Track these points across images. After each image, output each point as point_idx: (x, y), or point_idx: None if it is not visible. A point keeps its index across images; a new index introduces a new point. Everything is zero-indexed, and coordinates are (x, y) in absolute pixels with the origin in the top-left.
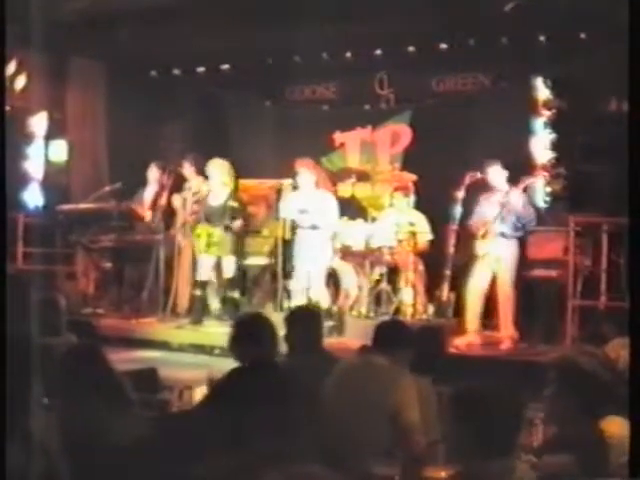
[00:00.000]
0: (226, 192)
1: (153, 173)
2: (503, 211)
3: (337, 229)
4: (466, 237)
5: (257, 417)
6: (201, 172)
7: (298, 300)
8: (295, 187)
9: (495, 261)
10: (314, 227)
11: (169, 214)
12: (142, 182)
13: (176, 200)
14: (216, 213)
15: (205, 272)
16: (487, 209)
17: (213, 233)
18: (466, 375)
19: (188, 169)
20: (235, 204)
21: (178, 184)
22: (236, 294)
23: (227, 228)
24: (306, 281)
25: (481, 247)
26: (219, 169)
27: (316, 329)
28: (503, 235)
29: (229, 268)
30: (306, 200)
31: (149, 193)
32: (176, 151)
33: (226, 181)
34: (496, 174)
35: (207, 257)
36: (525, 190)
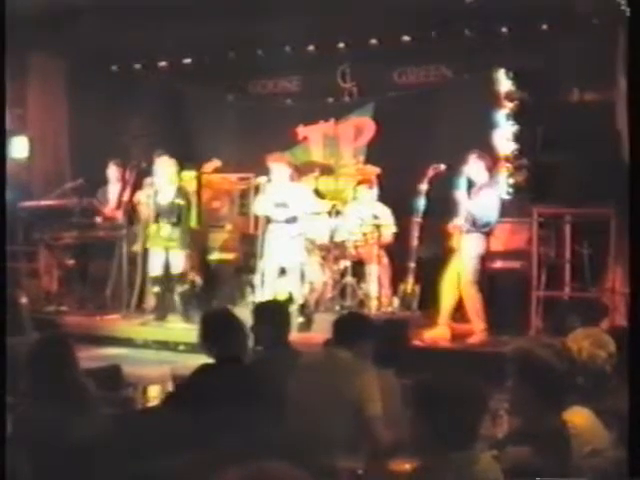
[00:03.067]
0: (173, 190)
1: (113, 171)
2: (470, 206)
3: (306, 222)
4: (430, 230)
5: (222, 414)
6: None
7: (265, 295)
8: (269, 182)
9: (463, 256)
10: (290, 221)
11: (132, 210)
12: (104, 178)
13: (140, 196)
14: (164, 211)
15: (156, 267)
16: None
17: (161, 229)
18: (430, 368)
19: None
20: (182, 202)
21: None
22: (186, 287)
23: (174, 225)
24: (278, 276)
25: (455, 241)
26: (165, 167)
27: (283, 324)
28: (467, 230)
29: (177, 263)
30: (282, 194)
31: (113, 192)
32: (138, 146)
33: (172, 179)
34: (473, 165)
35: (157, 253)
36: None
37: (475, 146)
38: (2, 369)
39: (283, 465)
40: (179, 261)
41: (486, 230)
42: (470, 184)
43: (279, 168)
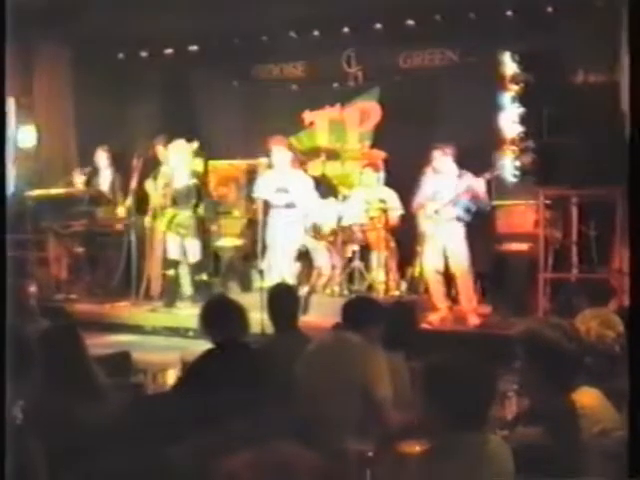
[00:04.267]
0: (188, 173)
1: (102, 159)
2: (462, 195)
3: (310, 208)
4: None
5: (231, 397)
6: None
7: (270, 280)
8: (270, 166)
9: (445, 243)
10: (290, 206)
11: (141, 198)
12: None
13: (148, 184)
14: (181, 195)
15: (174, 251)
16: (433, 191)
17: (177, 215)
18: (439, 350)
19: (161, 151)
20: (197, 183)
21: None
22: (204, 277)
23: (194, 211)
24: (280, 260)
25: (428, 227)
26: (179, 151)
27: (292, 308)
28: (457, 219)
29: (194, 252)
30: (282, 179)
31: (104, 179)
32: (145, 133)
33: (188, 162)
34: (442, 161)
35: (172, 236)
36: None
37: (480, 129)
38: (2, 363)
39: (294, 446)
40: (195, 249)
41: (470, 219)
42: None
43: (280, 151)
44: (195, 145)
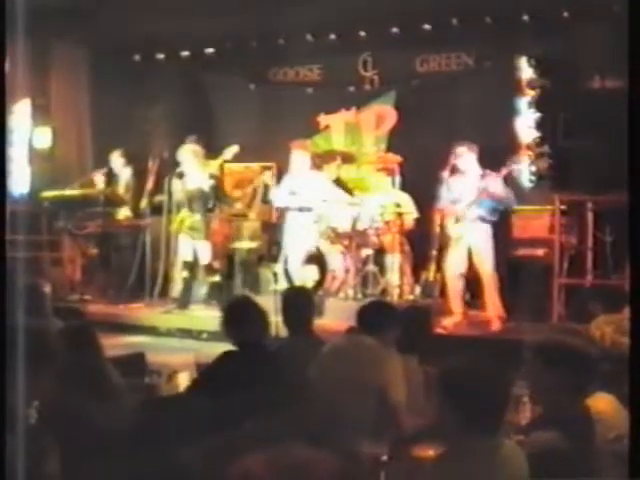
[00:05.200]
0: (201, 176)
1: (117, 162)
2: (480, 195)
3: (328, 211)
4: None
5: (249, 399)
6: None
7: (286, 283)
8: (288, 169)
9: (471, 245)
10: (307, 209)
11: (155, 199)
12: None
13: (175, 183)
14: (194, 197)
15: (187, 252)
16: (458, 193)
17: (188, 217)
18: (453, 355)
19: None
20: (212, 185)
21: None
22: (216, 278)
23: (210, 210)
24: (296, 263)
25: (455, 231)
26: (191, 154)
27: (307, 311)
28: (482, 219)
29: (205, 253)
30: (299, 181)
31: (119, 180)
32: (161, 135)
33: (201, 165)
34: (467, 158)
35: (184, 238)
36: (507, 176)
37: (496, 134)
38: (2, 362)
39: (308, 449)
40: (206, 252)
41: (497, 218)
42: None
43: (299, 155)
44: (228, 156)
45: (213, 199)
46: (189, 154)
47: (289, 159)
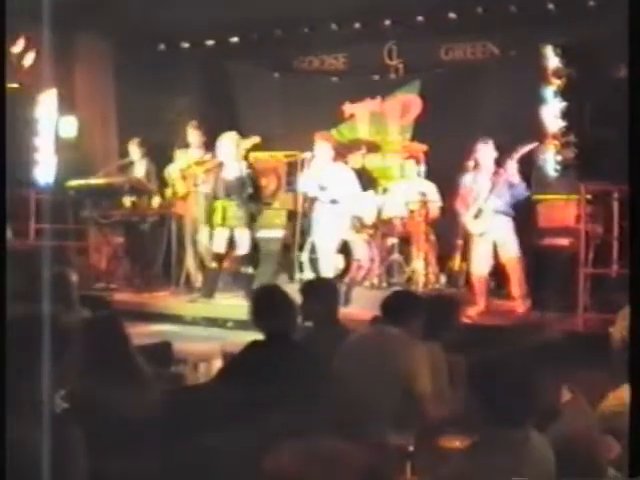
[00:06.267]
0: (240, 164)
1: (135, 151)
2: (496, 187)
3: (353, 201)
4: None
5: (274, 389)
6: (207, 140)
7: (314, 272)
8: (312, 159)
9: (496, 239)
10: (333, 201)
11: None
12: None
13: (172, 170)
14: (232, 186)
15: (221, 245)
16: (475, 188)
17: (228, 207)
18: (479, 344)
19: (193, 135)
20: (251, 173)
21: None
22: (250, 269)
23: (249, 198)
24: (324, 253)
25: (476, 227)
26: (230, 142)
27: (332, 300)
28: (503, 213)
29: (244, 243)
30: (325, 173)
31: (139, 169)
32: (185, 125)
33: (238, 154)
34: (486, 153)
35: (222, 230)
36: (523, 160)
37: (522, 123)
38: (2, 363)
39: (338, 442)
40: (245, 241)
41: (517, 209)
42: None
43: (323, 147)
44: (246, 145)
45: (251, 187)
46: (228, 142)
47: (313, 149)
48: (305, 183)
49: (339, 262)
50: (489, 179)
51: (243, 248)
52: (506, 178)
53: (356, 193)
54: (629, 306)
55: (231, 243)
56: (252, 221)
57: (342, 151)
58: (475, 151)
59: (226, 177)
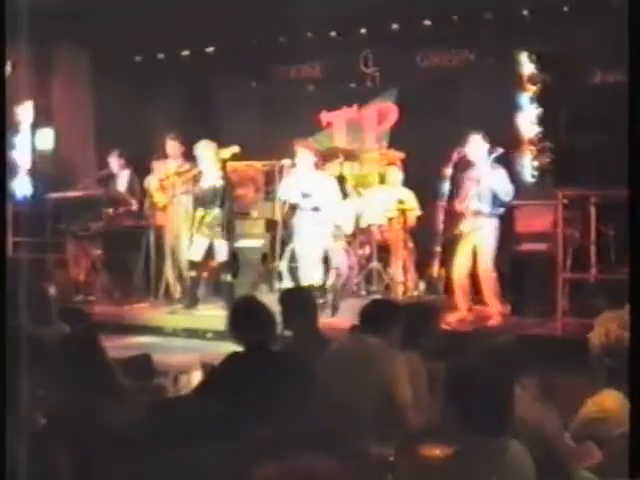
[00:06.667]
0: (216, 174)
1: (114, 164)
2: (478, 188)
3: (333, 209)
4: (453, 214)
5: (254, 400)
6: (185, 150)
7: (294, 281)
8: (293, 167)
9: (477, 241)
10: (315, 209)
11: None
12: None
13: (151, 181)
14: (208, 195)
15: (198, 253)
16: (468, 186)
17: (206, 215)
18: (459, 351)
19: (171, 147)
20: (225, 184)
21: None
22: (229, 277)
23: (222, 208)
24: (305, 262)
25: (464, 225)
26: (208, 151)
27: (311, 310)
28: (479, 213)
29: (222, 252)
30: (306, 181)
31: (121, 181)
32: (163, 135)
33: (215, 163)
34: (475, 147)
35: (200, 238)
36: (508, 165)
37: (498, 129)
38: (2, 368)
39: (320, 458)
40: (223, 249)
41: (499, 212)
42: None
43: (304, 154)
44: (226, 155)
45: (223, 198)
46: (205, 150)
47: (292, 157)
48: (286, 191)
49: (319, 271)
50: (479, 178)
51: (221, 256)
52: (486, 181)
53: (338, 201)
54: (630, 309)
55: (210, 252)
56: (228, 231)
57: (320, 159)
58: (465, 145)
59: (203, 186)
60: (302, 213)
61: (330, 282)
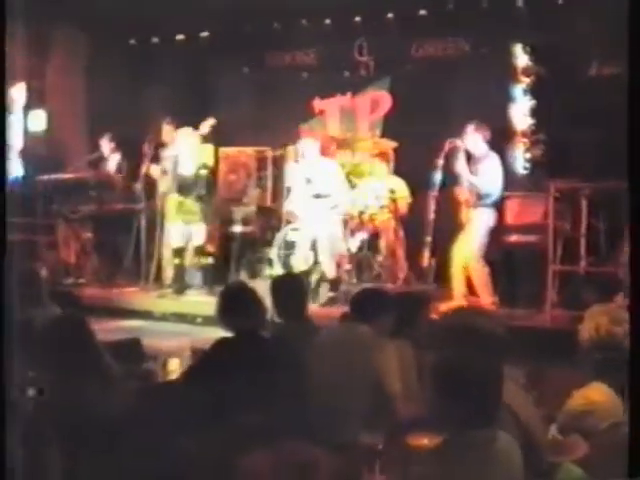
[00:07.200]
0: (196, 162)
1: (106, 147)
2: (470, 178)
3: (338, 196)
4: (446, 204)
5: (243, 387)
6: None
7: (285, 268)
8: (296, 155)
9: (468, 229)
10: (319, 196)
11: (151, 183)
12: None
13: (154, 170)
14: (187, 183)
15: (177, 239)
16: (461, 176)
17: (184, 202)
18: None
19: (168, 132)
20: (205, 173)
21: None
22: (209, 260)
23: (199, 198)
24: (300, 248)
25: (464, 215)
26: (187, 138)
27: (302, 297)
28: (471, 203)
29: (199, 235)
30: (313, 169)
31: (111, 164)
32: (156, 119)
33: (195, 150)
34: (468, 137)
35: (177, 225)
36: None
37: (491, 120)
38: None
39: (310, 446)
40: (200, 234)
41: (491, 203)
42: (468, 156)
43: (308, 142)
44: (205, 130)
45: (204, 189)
46: (187, 138)
47: (282, 143)
48: (291, 177)
49: (310, 258)
50: (472, 168)
51: (198, 239)
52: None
53: (342, 187)
54: (629, 307)
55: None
56: (220, 216)
57: (329, 144)
58: (458, 135)
59: (182, 173)
60: (304, 199)
61: (332, 271)
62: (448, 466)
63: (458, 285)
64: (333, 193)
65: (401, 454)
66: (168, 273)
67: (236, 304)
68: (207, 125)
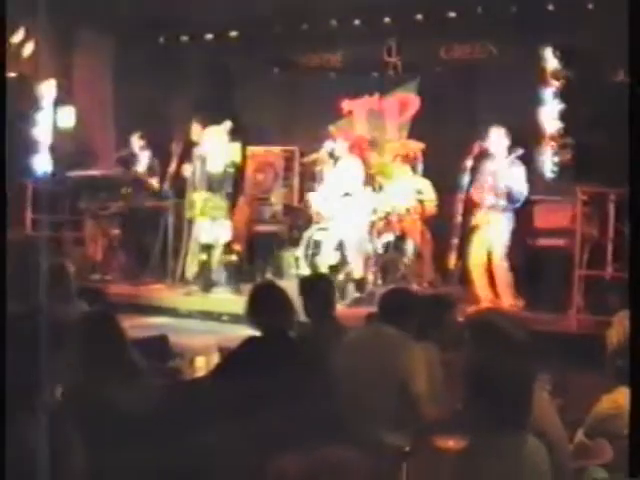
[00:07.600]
0: (224, 160)
1: (136, 144)
2: (495, 182)
3: (364, 197)
4: (470, 206)
5: (272, 385)
6: None
7: (311, 268)
8: (331, 155)
9: (490, 233)
10: (347, 195)
11: (179, 181)
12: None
13: (186, 170)
14: (214, 180)
15: (205, 235)
16: (485, 179)
17: (210, 199)
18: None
19: (197, 131)
20: (233, 170)
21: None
22: (233, 257)
23: (227, 196)
24: (326, 248)
25: (480, 218)
26: (216, 136)
27: (329, 296)
28: (494, 207)
29: (225, 233)
30: (339, 169)
31: (141, 162)
32: (184, 118)
33: (223, 148)
34: (496, 141)
35: (204, 220)
36: (527, 161)
37: (520, 124)
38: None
39: (342, 450)
40: (225, 231)
41: (515, 206)
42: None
43: (338, 142)
44: (228, 125)
45: (231, 187)
46: (214, 136)
47: (310, 144)
48: (318, 176)
49: (335, 258)
50: (498, 172)
51: (224, 237)
52: (501, 176)
53: (364, 187)
54: (629, 308)
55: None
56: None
57: (362, 144)
58: (486, 138)
59: (210, 170)
60: (332, 199)
61: (359, 271)
62: (475, 469)
63: (481, 288)
64: (357, 192)
65: (427, 456)
66: (194, 271)
67: (266, 303)
68: (224, 127)
